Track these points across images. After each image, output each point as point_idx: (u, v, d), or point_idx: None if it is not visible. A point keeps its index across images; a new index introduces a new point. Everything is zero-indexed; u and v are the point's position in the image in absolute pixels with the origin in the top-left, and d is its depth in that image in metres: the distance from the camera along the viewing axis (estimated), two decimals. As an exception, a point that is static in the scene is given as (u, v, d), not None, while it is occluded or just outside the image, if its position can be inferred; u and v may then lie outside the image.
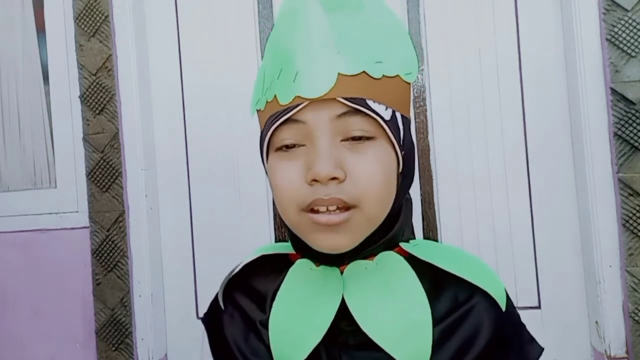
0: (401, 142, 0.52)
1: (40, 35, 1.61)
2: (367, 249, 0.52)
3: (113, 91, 1.47)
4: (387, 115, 0.50)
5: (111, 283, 1.46)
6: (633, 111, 1.19)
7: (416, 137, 1.38)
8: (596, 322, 1.25)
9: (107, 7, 1.48)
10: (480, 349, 0.50)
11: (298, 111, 0.48)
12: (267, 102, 0.52)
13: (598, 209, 1.22)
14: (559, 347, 1.31)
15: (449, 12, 1.38)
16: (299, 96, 0.48)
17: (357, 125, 0.48)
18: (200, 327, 0.64)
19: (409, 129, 0.54)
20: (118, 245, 1.46)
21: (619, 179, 1.20)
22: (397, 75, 0.51)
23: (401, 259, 0.53)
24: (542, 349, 0.54)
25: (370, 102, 0.49)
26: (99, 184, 1.47)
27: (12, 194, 1.60)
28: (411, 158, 0.55)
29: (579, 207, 1.31)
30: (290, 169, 0.49)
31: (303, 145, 0.50)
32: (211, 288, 0.64)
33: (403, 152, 0.52)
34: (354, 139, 0.49)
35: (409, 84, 0.54)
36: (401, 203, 0.55)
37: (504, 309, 0.52)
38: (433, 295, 0.52)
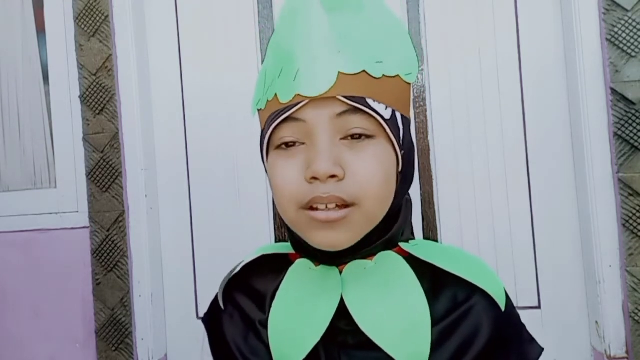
0: (401, 141, 0.52)
1: (40, 35, 1.61)
2: (366, 249, 0.52)
3: (113, 91, 1.47)
4: (387, 114, 0.50)
5: (111, 283, 1.46)
6: (633, 111, 1.19)
7: (416, 137, 1.38)
8: (596, 322, 1.25)
9: (107, 7, 1.48)
10: (479, 349, 0.50)
11: (298, 109, 0.49)
12: (267, 101, 0.52)
13: (598, 209, 1.22)
14: (559, 347, 1.31)
15: (449, 12, 1.38)
16: (299, 94, 0.48)
17: (357, 123, 0.49)
18: (200, 327, 0.64)
19: (409, 129, 0.54)
20: (118, 245, 1.46)
21: (619, 179, 1.20)
22: (398, 76, 0.51)
23: (400, 258, 0.53)
24: (542, 349, 0.54)
25: (370, 101, 0.49)
26: (99, 184, 1.47)
27: (12, 194, 1.60)
28: (411, 158, 0.55)
29: (579, 207, 1.31)
30: (290, 167, 0.50)
31: (303, 143, 0.50)
32: (211, 288, 0.64)
33: (403, 152, 0.52)
34: (354, 137, 0.49)
35: (409, 84, 0.54)
36: (401, 203, 0.55)
37: (503, 308, 0.52)
38: (432, 295, 0.52)
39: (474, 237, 1.36)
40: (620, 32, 1.20)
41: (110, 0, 1.48)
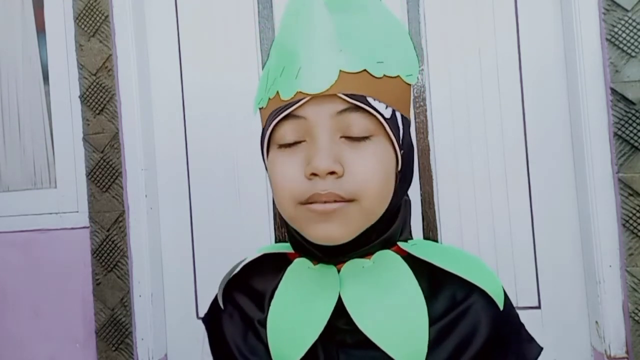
0: (400, 141, 0.52)
1: (40, 35, 1.61)
2: (364, 248, 0.53)
3: (113, 91, 1.47)
4: (387, 113, 0.50)
5: (111, 283, 1.46)
6: (633, 111, 1.19)
7: (416, 137, 1.38)
8: (596, 322, 1.25)
9: (107, 7, 1.48)
10: (477, 347, 0.50)
11: (299, 107, 0.49)
12: (269, 99, 0.53)
13: (598, 209, 1.22)
14: (558, 347, 1.31)
15: (449, 12, 1.38)
16: (300, 92, 0.49)
17: (357, 122, 0.49)
18: (201, 327, 0.64)
19: (409, 129, 0.55)
20: (118, 245, 1.46)
21: (619, 179, 1.20)
22: (398, 76, 0.52)
23: (398, 257, 0.53)
24: (541, 348, 0.54)
25: (370, 100, 0.49)
26: (99, 184, 1.47)
27: (12, 194, 1.60)
28: (410, 158, 0.55)
29: (579, 207, 1.31)
30: (290, 164, 0.50)
31: (303, 141, 0.50)
32: (211, 288, 0.64)
33: (402, 152, 0.52)
34: (354, 136, 0.49)
35: (410, 85, 0.54)
36: (400, 203, 0.55)
37: (501, 307, 0.52)
38: (430, 294, 0.52)
39: (474, 237, 1.36)
40: (620, 32, 1.20)
41: (110, 0, 1.48)
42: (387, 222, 0.54)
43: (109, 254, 1.46)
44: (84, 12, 1.49)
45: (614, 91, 1.20)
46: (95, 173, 1.48)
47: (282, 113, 0.50)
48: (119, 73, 1.47)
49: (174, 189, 1.53)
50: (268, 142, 0.53)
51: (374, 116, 0.49)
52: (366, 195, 0.49)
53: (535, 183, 1.34)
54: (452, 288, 0.53)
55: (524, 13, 1.35)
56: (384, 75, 0.50)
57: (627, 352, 1.20)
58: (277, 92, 0.51)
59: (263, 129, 0.55)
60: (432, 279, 0.53)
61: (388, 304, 0.50)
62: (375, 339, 0.49)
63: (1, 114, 1.65)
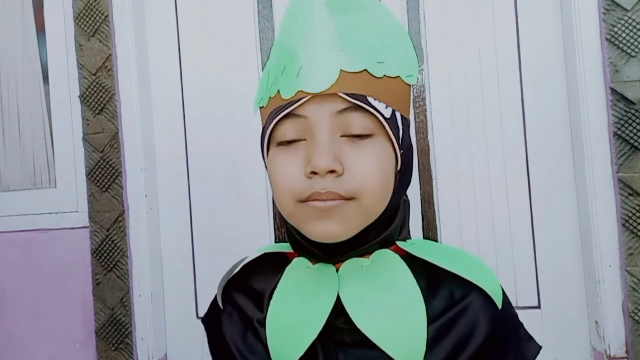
0: (400, 141, 0.52)
1: (40, 35, 1.61)
2: (363, 247, 0.53)
3: (113, 91, 1.47)
4: (387, 113, 0.51)
5: (111, 283, 1.46)
6: (633, 111, 1.19)
7: (416, 137, 1.38)
8: (596, 322, 1.25)
9: (107, 7, 1.48)
10: (476, 347, 0.50)
11: (300, 106, 0.49)
12: (270, 98, 0.53)
13: (598, 209, 1.22)
14: (558, 347, 1.31)
15: (449, 12, 1.38)
16: (301, 91, 0.49)
17: (358, 121, 0.49)
18: (201, 327, 0.64)
19: (408, 130, 0.55)
20: (118, 245, 1.46)
21: (619, 179, 1.20)
22: (398, 77, 0.52)
23: (397, 257, 0.53)
24: (540, 348, 0.54)
25: (371, 99, 0.49)
26: (99, 184, 1.48)
27: (12, 194, 1.60)
28: (410, 158, 0.55)
29: (579, 207, 1.31)
30: (290, 162, 0.50)
31: (304, 140, 0.50)
32: (211, 288, 0.65)
33: (402, 152, 0.52)
34: (354, 135, 0.50)
35: (410, 86, 0.55)
36: (399, 203, 0.55)
37: (500, 306, 0.52)
38: (429, 293, 0.52)
39: (474, 237, 1.36)
40: (620, 32, 1.20)
41: (110, 0, 1.48)
42: (386, 222, 0.54)
43: (109, 254, 1.46)
44: (84, 12, 1.49)
45: (614, 91, 1.20)
46: (95, 173, 1.48)
47: (283, 112, 0.50)
48: (119, 73, 1.47)
49: (174, 189, 1.53)
50: (268, 141, 0.53)
51: (375, 116, 0.50)
52: (366, 193, 0.49)
53: (535, 183, 1.34)
54: (450, 287, 0.53)
55: (524, 13, 1.35)
56: (385, 76, 0.51)
57: (627, 352, 1.20)
58: (278, 91, 0.51)
59: (263, 128, 0.55)
60: (431, 278, 0.54)
61: (387, 303, 0.50)
62: (374, 338, 0.49)
63: (1, 114, 1.65)
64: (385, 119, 0.50)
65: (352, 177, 0.48)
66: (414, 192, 1.37)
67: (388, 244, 0.55)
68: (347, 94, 0.49)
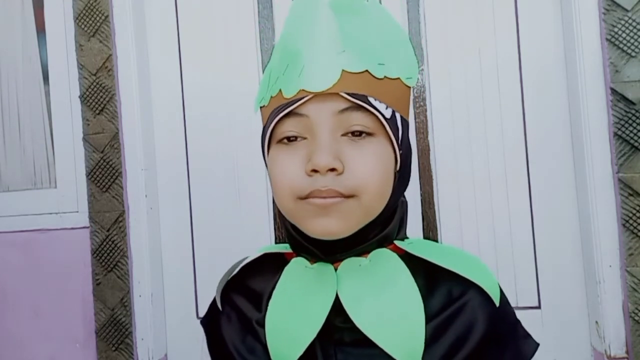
0: (399, 141, 0.53)
1: (40, 35, 1.61)
2: (361, 246, 0.53)
3: (113, 91, 1.47)
4: (387, 113, 0.51)
5: (111, 283, 1.46)
6: (633, 111, 1.19)
7: (416, 137, 1.38)
8: (596, 322, 1.25)
9: (107, 7, 1.48)
10: (474, 344, 0.50)
11: (301, 104, 0.50)
12: (271, 97, 0.53)
13: (598, 209, 1.22)
14: (558, 347, 1.31)
15: (449, 12, 1.38)
16: (303, 90, 0.50)
17: (358, 120, 0.50)
18: (201, 327, 0.64)
19: (407, 130, 0.56)
20: (118, 245, 1.46)
21: (619, 179, 1.20)
22: (398, 78, 0.53)
23: (395, 255, 0.54)
24: (537, 345, 0.54)
25: (371, 99, 0.50)
26: (99, 184, 1.48)
27: (12, 194, 1.60)
28: (408, 159, 0.56)
29: (579, 207, 1.31)
30: (290, 160, 0.51)
31: (304, 138, 0.51)
32: (211, 288, 0.65)
33: (401, 152, 0.53)
34: (354, 134, 0.50)
35: (409, 87, 0.55)
36: (397, 203, 0.56)
37: (497, 304, 0.53)
38: (427, 291, 0.52)
39: (474, 237, 1.36)
40: (620, 32, 1.20)
41: (110, 0, 1.48)
42: (384, 221, 0.54)
43: (109, 254, 1.46)
44: (84, 12, 1.49)
45: (614, 91, 1.20)
46: (95, 173, 1.48)
47: (284, 110, 0.50)
48: (119, 73, 1.47)
49: (174, 189, 1.53)
50: (269, 140, 0.53)
51: (375, 116, 0.50)
52: (366, 191, 0.49)
53: (535, 183, 1.34)
54: (448, 285, 0.53)
55: (524, 13, 1.35)
56: (385, 77, 0.51)
57: (627, 352, 1.20)
58: (280, 90, 0.52)
59: (264, 127, 0.55)
60: (429, 276, 0.54)
61: (385, 301, 0.50)
62: (373, 337, 0.49)
63: (1, 114, 1.65)
64: (385, 118, 0.51)
65: (352, 175, 0.49)
66: (414, 192, 1.37)
67: (386, 243, 0.55)
68: (348, 94, 0.49)
